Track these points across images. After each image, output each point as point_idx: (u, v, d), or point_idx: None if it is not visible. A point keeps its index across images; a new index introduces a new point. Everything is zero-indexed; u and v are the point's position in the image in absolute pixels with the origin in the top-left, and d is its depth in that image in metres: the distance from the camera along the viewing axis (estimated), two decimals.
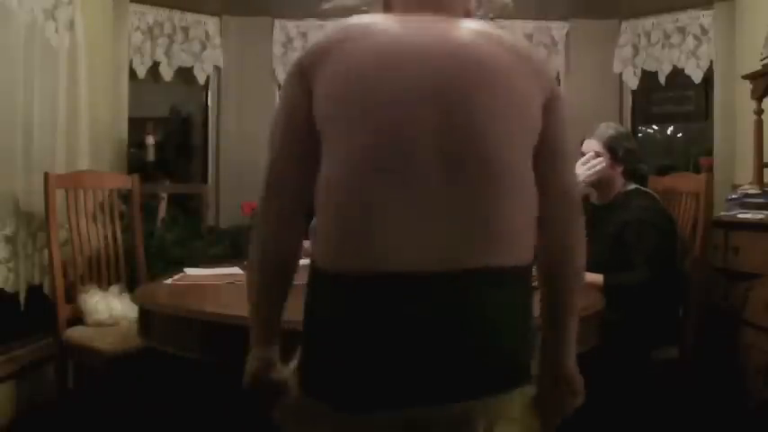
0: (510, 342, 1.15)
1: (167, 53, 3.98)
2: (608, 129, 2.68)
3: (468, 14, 1.29)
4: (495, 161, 1.11)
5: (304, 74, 1.18)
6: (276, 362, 1.25)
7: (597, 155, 2.63)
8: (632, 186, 2.66)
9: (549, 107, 1.20)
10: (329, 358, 1.13)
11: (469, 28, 1.20)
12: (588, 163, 2.63)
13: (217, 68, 4.16)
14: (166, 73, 3.98)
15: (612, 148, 2.63)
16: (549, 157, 1.21)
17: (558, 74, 4.14)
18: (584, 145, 2.69)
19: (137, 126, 4.03)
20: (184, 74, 4.10)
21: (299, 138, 1.19)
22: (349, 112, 1.13)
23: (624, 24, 4.07)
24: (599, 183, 2.66)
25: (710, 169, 3.58)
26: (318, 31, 4.17)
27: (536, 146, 1.19)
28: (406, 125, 1.11)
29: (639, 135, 4.43)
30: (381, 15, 1.24)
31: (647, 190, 2.69)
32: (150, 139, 4.13)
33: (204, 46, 4.10)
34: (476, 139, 1.11)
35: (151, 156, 4.13)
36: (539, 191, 1.20)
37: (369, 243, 1.10)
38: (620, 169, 2.65)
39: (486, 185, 1.11)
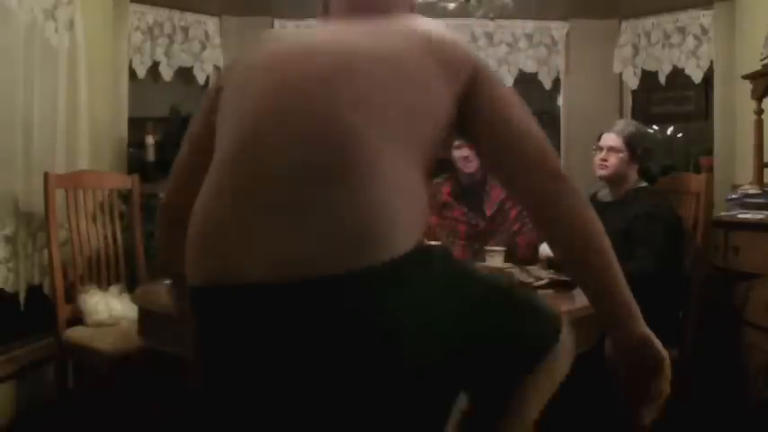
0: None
1: (167, 53, 3.98)
2: (629, 125, 2.70)
3: (411, 9, 1.31)
4: (350, 151, 1.01)
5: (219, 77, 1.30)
6: None
7: (615, 150, 2.64)
8: (643, 184, 2.67)
9: (471, 92, 1.17)
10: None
11: (381, 27, 1.19)
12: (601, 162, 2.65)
13: (217, 68, 4.15)
14: (166, 73, 3.97)
15: (631, 145, 2.64)
16: (498, 139, 1.17)
17: (559, 74, 4.15)
18: (602, 138, 2.70)
19: (137, 126, 4.02)
20: (184, 74, 4.09)
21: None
22: (225, 108, 1.19)
23: (624, 24, 4.07)
24: (614, 177, 2.66)
25: (710, 169, 3.58)
26: None
27: (479, 135, 1.18)
28: (263, 122, 1.08)
29: None
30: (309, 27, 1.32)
31: (657, 189, 2.70)
32: (150, 139, 4.12)
33: (204, 46, 4.09)
34: (331, 135, 1.03)
35: (151, 156, 4.12)
36: (509, 183, 1.20)
37: (209, 255, 1.05)
38: (635, 167, 2.66)
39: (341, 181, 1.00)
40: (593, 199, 2.79)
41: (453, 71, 1.15)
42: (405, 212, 1.04)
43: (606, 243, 1.17)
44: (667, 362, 1.16)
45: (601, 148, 2.68)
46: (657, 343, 1.15)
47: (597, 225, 1.18)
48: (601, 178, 2.72)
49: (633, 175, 2.67)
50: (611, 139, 2.66)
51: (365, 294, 0.97)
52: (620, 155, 2.64)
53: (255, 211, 1.01)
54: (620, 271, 1.17)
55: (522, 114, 1.20)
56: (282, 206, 1.00)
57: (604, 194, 2.79)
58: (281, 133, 1.05)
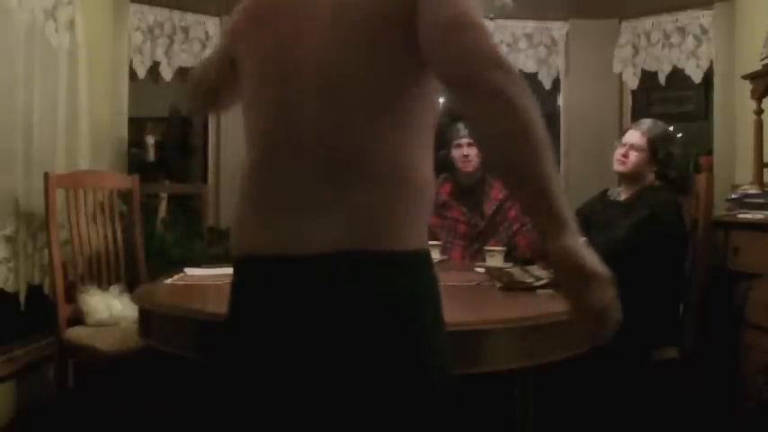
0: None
1: (167, 53, 3.98)
2: (656, 127, 2.67)
3: None
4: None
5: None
6: None
7: (637, 148, 2.63)
8: (657, 183, 2.66)
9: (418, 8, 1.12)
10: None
11: None
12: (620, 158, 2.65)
13: None
14: (166, 73, 3.98)
15: (654, 146, 2.62)
16: (432, 36, 1.10)
17: (559, 74, 4.15)
18: (626, 135, 2.69)
19: (137, 126, 4.03)
20: (184, 74, 4.09)
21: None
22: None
23: (624, 24, 4.07)
24: (631, 174, 2.66)
25: (710, 169, 3.58)
26: None
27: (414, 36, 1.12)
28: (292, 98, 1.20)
29: None
30: None
31: (668, 189, 2.69)
32: (150, 139, 4.12)
33: (204, 46, 4.09)
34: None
35: (151, 156, 4.13)
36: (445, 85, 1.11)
37: (253, 231, 1.22)
38: (654, 168, 2.65)
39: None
40: (603, 197, 2.78)
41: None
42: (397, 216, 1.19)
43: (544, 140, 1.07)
44: (600, 274, 1.07)
45: (623, 144, 2.68)
46: (587, 255, 1.07)
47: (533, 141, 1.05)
48: (618, 173, 2.72)
49: (650, 176, 2.66)
50: (634, 136, 2.65)
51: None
52: (641, 154, 2.63)
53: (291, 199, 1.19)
54: (555, 173, 1.08)
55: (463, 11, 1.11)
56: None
57: (615, 193, 2.78)
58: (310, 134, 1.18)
